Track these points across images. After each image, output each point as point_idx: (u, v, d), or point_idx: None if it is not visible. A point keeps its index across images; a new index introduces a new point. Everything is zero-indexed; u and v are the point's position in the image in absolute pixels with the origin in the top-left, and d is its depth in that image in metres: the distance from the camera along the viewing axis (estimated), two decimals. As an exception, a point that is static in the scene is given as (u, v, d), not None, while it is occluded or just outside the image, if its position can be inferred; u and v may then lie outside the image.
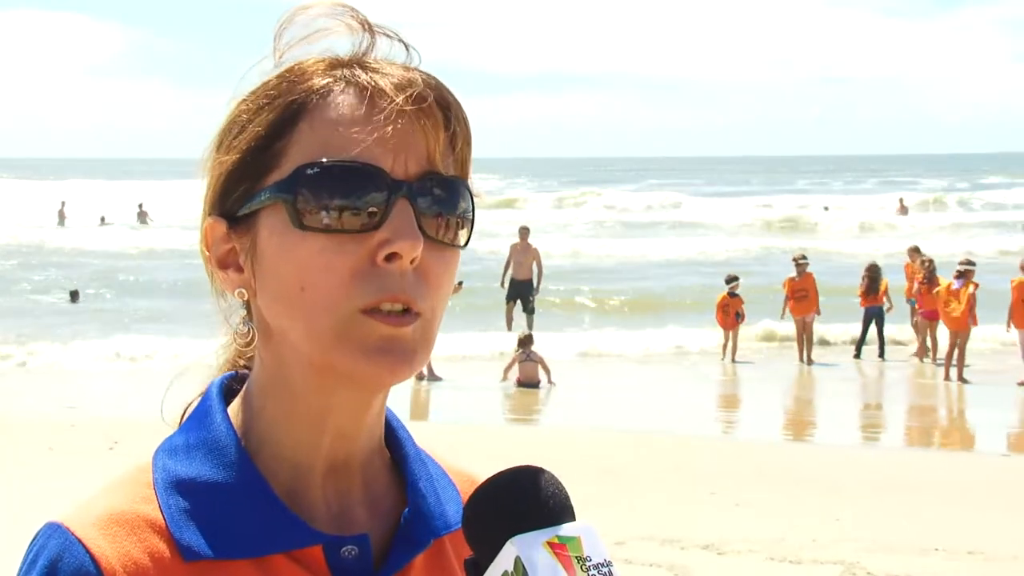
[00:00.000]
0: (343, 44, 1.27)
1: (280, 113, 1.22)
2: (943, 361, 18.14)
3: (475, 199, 1.26)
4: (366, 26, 1.26)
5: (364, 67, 1.23)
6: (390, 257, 1.17)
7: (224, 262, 1.25)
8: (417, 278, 1.19)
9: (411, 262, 1.18)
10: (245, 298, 1.25)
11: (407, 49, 1.26)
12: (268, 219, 1.21)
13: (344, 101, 1.20)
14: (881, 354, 19.90)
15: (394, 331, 1.17)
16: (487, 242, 30.83)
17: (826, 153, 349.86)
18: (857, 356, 19.88)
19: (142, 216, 49.46)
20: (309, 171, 1.18)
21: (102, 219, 49.42)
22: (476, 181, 1.29)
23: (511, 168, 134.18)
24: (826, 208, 53.25)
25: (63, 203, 50.78)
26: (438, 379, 16.65)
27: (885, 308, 20.09)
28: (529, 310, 21.94)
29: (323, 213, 1.17)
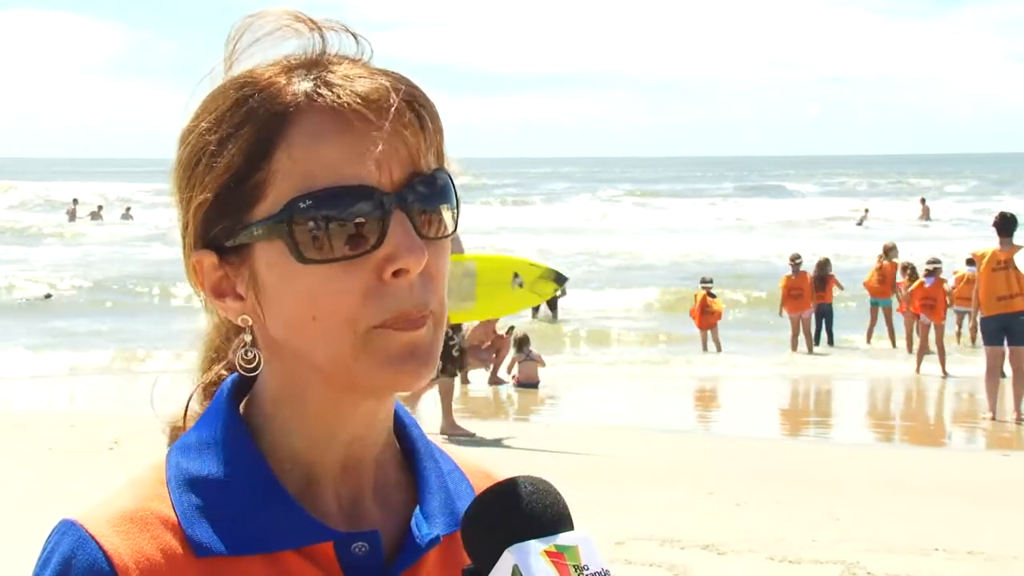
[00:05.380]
0: (294, 47, 1.26)
1: (250, 143, 1.19)
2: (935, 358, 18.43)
3: (454, 179, 1.26)
4: (313, 25, 1.26)
5: (326, 81, 1.21)
6: (397, 272, 1.18)
7: (220, 291, 1.25)
8: (423, 281, 1.20)
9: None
10: (249, 324, 1.24)
11: (356, 40, 1.26)
12: (264, 252, 1.20)
13: (317, 123, 1.19)
14: (831, 342, 21.06)
15: (413, 335, 1.19)
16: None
17: (825, 153, 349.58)
18: (809, 352, 20.55)
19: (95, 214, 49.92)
20: (302, 204, 1.17)
21: (127, 210, 50.72)
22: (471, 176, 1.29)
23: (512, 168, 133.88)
24: (866, 211, 52.36)
25: (75, 200, 51.35)
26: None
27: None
28: (554, 307, 22.35)
29: (323, 244, 1.17)
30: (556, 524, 1.16)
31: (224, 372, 1.34)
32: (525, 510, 1.17)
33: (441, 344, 1.22)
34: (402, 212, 1.18)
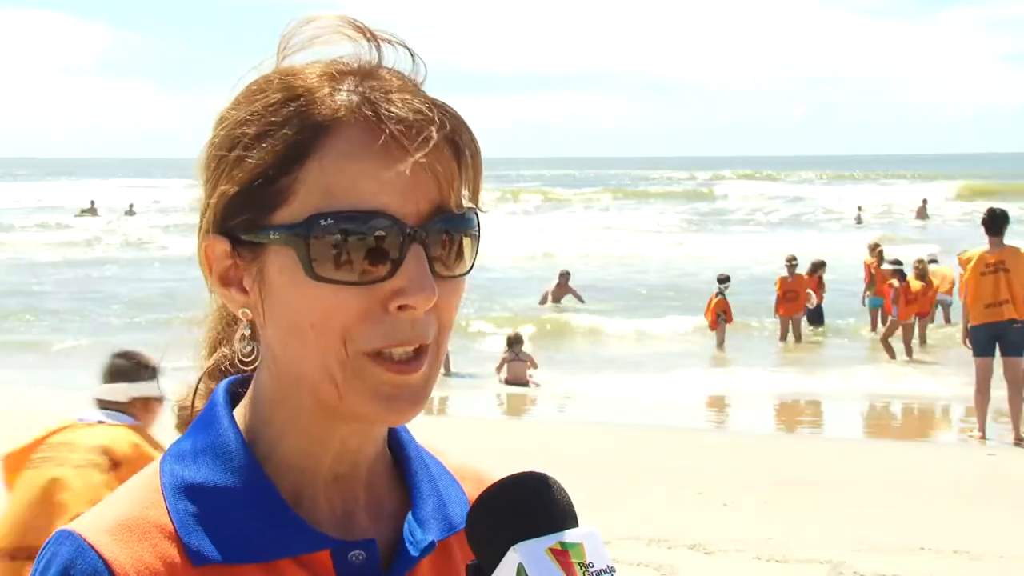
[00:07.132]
0: (347, 52, 1.24)
1: (286, 147, 1.18)
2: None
3: (481, 217, 1.24)
4: (370, 36, 1.24)
5: (371, 98, 1.19)
6: (403, 307, 1.17)
7: (226, 280, 1.24)
8: (428, 316, 1.19)
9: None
10: (249, 318, 1.24)
11: (413, 59, 1.25)
12: (277, 256, 1.19)
13: (354, 141, 1.17)
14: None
15: (404, 379, 1.18)
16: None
17: (810, 153, 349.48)
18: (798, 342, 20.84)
19: (93, 211, 51.11)
20: (323, 221, 1.16)
21: (130, 206, 52.41)
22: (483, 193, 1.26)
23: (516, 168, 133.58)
24: (860, 208, 52.23)
25: (92, 201, 52.94)
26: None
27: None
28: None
29: (336, 264, 1.16)
30: (561, 521, 1.17)
31: (227, 352, 1.33)
32: (530, 507, 1.17)
33: (438, 375, 1.22)
34: (420, 247, 1.17)
